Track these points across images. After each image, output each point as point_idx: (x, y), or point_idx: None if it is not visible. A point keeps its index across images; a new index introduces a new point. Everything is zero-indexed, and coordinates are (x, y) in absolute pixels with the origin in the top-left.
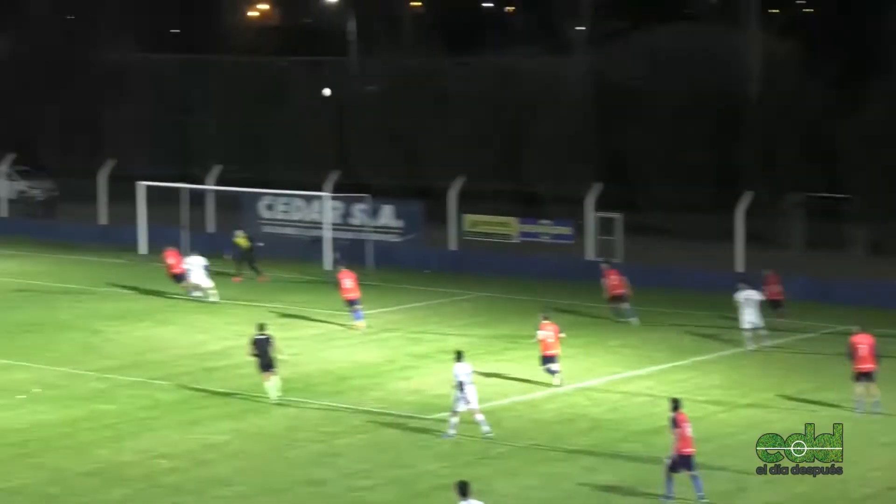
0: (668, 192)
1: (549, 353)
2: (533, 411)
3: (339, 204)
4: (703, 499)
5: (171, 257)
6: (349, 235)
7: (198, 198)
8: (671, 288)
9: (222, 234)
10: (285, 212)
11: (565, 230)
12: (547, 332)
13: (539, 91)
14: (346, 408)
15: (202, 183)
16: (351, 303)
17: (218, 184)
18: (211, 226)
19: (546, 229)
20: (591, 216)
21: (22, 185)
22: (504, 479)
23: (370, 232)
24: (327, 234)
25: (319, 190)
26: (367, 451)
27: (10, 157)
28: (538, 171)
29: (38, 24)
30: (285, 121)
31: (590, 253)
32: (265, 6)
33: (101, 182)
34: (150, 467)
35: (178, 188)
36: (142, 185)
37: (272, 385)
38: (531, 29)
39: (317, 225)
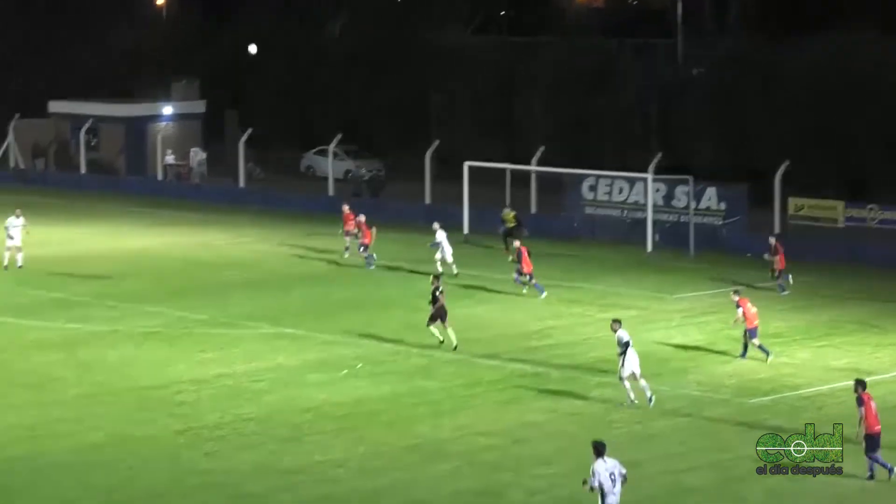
0: None
1: (753, 325)
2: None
3: (661, 186)
4: (893, 472)
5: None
6: (671, 218)
7: (522, 178)
8: None
9: (544, 215)
10: (607, 193)
11: (893, 215)
12: (746, 307)
13: (871, 72)
14: (665, 390)
15: (526, 163)
16: (530, 276)
17: (541, 164)
18: (533, 206)
19: (873, 214)
20: None
21: (349, 164)
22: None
23: (693, 215)
24: (649, 216)
25: (643, 172)
26: (685, 434)
27: (338, 137)
28: (867, 154)
29: (368, 7)
30: (610, 103)
31: None
32: None
33: (426, 162)
34: (469, 444)
35: (502, 168)
36: (467, 166)
37: (439, 332)
38: (865, 8)
39: (639, 207)
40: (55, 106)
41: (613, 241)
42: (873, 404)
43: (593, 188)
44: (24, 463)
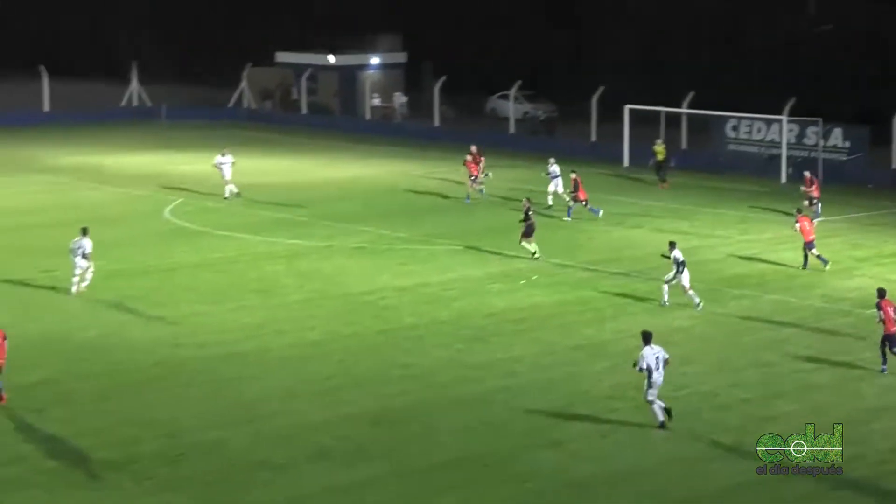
0: None
1: (809, 239)
2: None
3: (794, 126)
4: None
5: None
6: (802, 154)
7: (674, 120)
8: None
9: (693, 151)
10: (747, 132)
11: None
12: (803, 223)
13: None
14: (795, 301)
15: (678, 107)
16: (585, 202)
17: (691, 107)
18: (684, 143)
19: None
20: None
21: (526, 106)
22: None
23: (821, 151)
24: (783, 153)
25: (778, 114)
26: (811, 339)
27: (518, 83)
28: None
29: None
30: (752, 54)
31: None
32: None
33: (593, 105)
34: (627, 345)
35: (657, 111)
36: (627, 108)
37: (531, 246)
38: None
39: (774, 144)
40: (281, 56)
41: (752, 174)
42: (890, 309)
43: (735, 128)
44: (252, 356)
